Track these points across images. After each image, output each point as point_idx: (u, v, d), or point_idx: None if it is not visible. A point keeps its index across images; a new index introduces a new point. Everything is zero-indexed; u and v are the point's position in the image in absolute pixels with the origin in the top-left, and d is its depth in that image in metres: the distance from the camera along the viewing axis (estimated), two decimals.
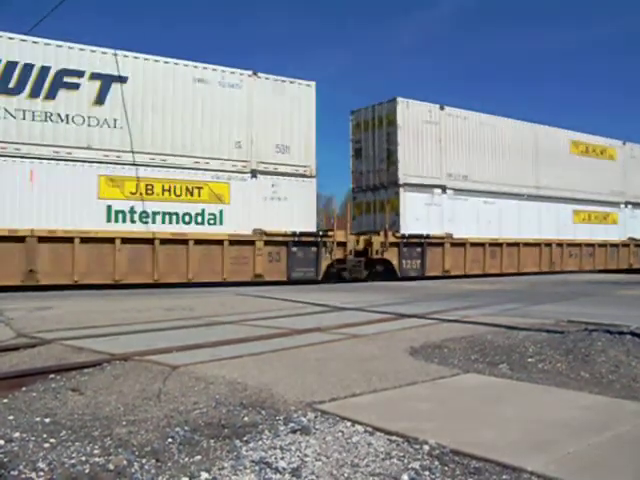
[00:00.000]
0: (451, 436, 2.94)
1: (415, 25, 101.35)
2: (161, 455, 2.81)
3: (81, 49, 14.13)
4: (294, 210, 16.51)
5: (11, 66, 13.32)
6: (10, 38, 13.41)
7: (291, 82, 16.74)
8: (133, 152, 14.48)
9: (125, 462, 2.70)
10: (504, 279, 18.81)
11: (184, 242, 14.86)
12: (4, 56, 13.29)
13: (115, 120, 14.37)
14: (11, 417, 3.49)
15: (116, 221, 14.30)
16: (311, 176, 16.91)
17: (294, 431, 3.11)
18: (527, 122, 22.06)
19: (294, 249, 16.50)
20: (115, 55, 14.42)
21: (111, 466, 2.66)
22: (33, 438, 3.07)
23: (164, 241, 14.60)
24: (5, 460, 2.73)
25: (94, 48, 14.30)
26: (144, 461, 2.74)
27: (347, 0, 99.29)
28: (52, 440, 3.04)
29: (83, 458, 2.77)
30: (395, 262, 18.19)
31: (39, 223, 13.34)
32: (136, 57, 14.73)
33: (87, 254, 13.78)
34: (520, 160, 21.35)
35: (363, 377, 4.29)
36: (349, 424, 3.21)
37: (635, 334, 5.71)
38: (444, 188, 19.29)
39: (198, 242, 15.01)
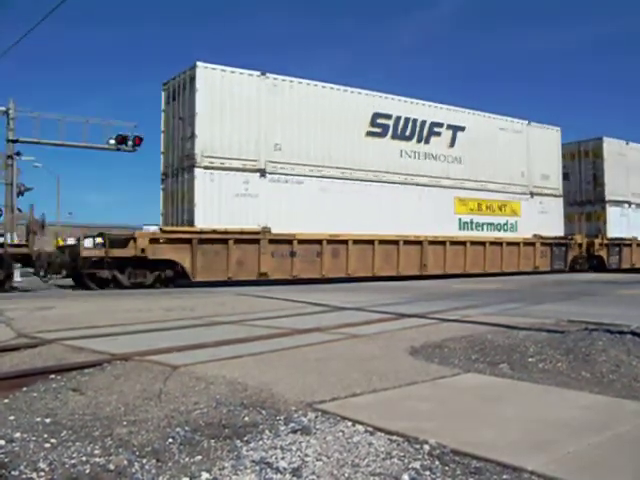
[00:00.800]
0: (451, 436, 2.94)
1: (415, 25, 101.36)
2: (162, 455, 2.81)
3: (441, 107, 20.42)
4: (551, 220, 22.99)
5: (406, 120, 19.42)
6: (405, 101, 19.64)
7: (547, 128, 23.49)
8: (471, 180, 20.91)
9: (126, 462, 2.70)
10: (505, 278, 19.11)
11: (499, 244, 21.19)
12: (401, 113, 19.32)
13: (460, 157, 20.61)
14: (12, 417, 3.49)
15: (464, 229, 20.70)
16: (560, 196, 23.74)
17: (295, 431, 3.11)
18: None
19: (554, 248, 22.92)
20: (456, 111, 20.80)
21: (112, 466, 2.66)
22: (34, 438, 3.08)
23: (491, 243, 20.95)
24: (6, 460, 2.74)
25: (449, 107, 20.72)
26: (145, 461, 2.75)
27: (347, 0, 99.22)
28: (53, 440, 3.04)
29: (84, 458, 2.78)
30: (605, 257, 24.90)
31: (424, 231, 19.22)
32: (469, 112, 21.17)
33: (452, 253, 19.87)
34: None
35: (363, 377, 4.29)
36: (350, 424, 3.21)
37: (636, 333, 5.70)
38: (629, 203, 26.23)
39: (506, 244, 21.28)
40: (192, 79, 15.97)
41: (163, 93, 17.77)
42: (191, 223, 15.75)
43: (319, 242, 17.08)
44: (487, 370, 4.72)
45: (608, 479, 2.45)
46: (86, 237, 15.89)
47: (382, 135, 18.88)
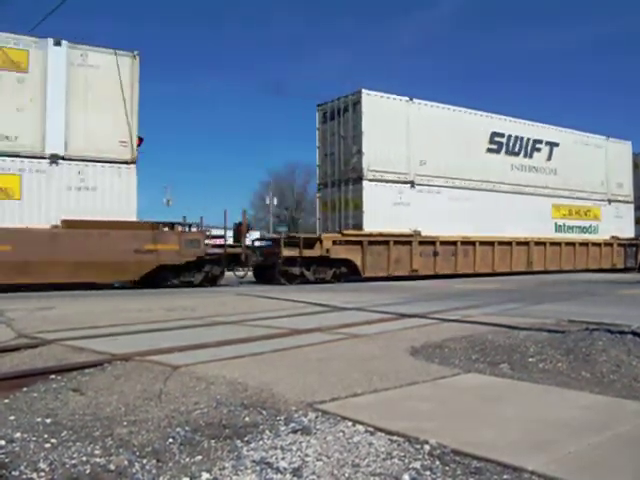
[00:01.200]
0: (452, 436, 2.94)
1: (415, 25, 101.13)
2: (162, 455, 2.82)
3: (541, 126, 23.77)
4: (624, 223, 26.50)
5: (515, 138, 22.71)
6: (514, 121, 22.86)
7: (621, 142, 26.70)
8: (563, 189, 24.21)
9: (126, 462, 2.70)
10: (505, 278, 19.17)
11: (586, 245, 24.64)
12: (512, 132, 22.56)
13: (555, 169, 23.99)
14: (12, 417, 3.50)
15: (559, 231, 24.09)
16: (631, 202, 27.15)
17: (295, 431, 3.11)
18: None
19: (627, 248, 26.45)
20: (552, 130, 24.09)
21: (112, 466, 2.66)
22: (34, 438, 3.08)
23: (580, 244, 24.35)
24: (6, 460, 2.74)
25: (546, 126, 24.04)
26: (145, 461, 2.75)
27: (347, 0, 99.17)
28: (53, 440, 3.04)
29: (84, 458, 2.78)
30: None
31: (529, 233, 22.46)
32: (561, 130, 24.45)
33: (550, 252, 23.18)
34: None
35: (364, 377, 4.29)
36: (350, 424, 3.21)
37: (636, 334, 5.70)
38: None
39: (591, 244, 24.84)
40: (355, 103, 19.01)
41: (317, 114, 20.69)
42: (358, 227, 18.68)
43: (454, 243, 20.26)
44: (487, 370, 4.72)
45: (608, 479, 2.45)
46: (261, 239, 19.82)
47: (498, 151, 22.28)
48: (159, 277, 15.42)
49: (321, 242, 17.95)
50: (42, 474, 2.60)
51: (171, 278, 15.70)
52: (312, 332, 6.62)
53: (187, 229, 16.60)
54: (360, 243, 18.35)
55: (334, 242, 18.08)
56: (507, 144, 22.56)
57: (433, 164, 20.07)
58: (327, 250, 17.85)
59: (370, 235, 18.54)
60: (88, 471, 2.63)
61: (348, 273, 18.47)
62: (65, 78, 14.64)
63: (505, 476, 2.50)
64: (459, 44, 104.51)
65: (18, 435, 3.12)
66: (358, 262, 18.33)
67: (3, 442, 2.98)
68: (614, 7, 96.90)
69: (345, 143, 19.37)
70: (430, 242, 19.71)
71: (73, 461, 2.74)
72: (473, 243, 20.73)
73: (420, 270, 19.40)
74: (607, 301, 11.01)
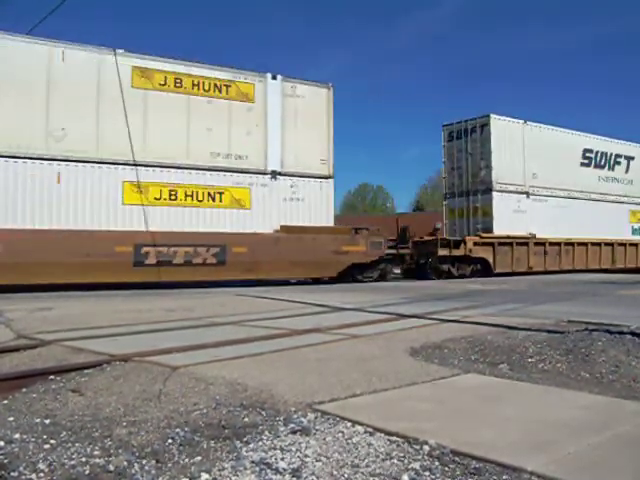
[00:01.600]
0: (451, 436, 2.94)
1: (415, 25, 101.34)
2: (161, 456, 2.81)
3: (620, 143, 26.92)
4: None
5: (602, 154, 25.84)
6: (599, 139, 25.77)
7: None
8: (638, 197, 27.26)
9: (125, 463, 2.70)
10: (504, 279, 19.22)
11: None
12: (598, 148, 25.69)
13: (632, 180, 27.08)
14: (11, 418, 3.49)
15: (635, 234, 27.03)
16: None
17: (294, 432, 3.11)
18: None
19: None
20: (628, 145, 27.17)
21: (111, 467, 2.66)
22: (33, 439, 3.07)
23: None
24: (5, 461, 2.73)
25: (623, 142, 27.01)
26: (144, 462, 2.74)
27: (347, 0, 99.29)
28: (52, 441, 3.04)
29: (83, 459, 2.77)
30: None
31: (611, 236, 25.30)
32: (635, 146, 27.39)
33: (629, 252, 26.22)
34: None
35: (363, 377, 4.29)
36: (349, 424, 3.21)
37: (635, 334, 5.71)
38: None
39: None
40: (483, 126, 22.32)
41: (443, 133, 23.89)
42: (488, 231, 21.76)
43: (559, 244, 23.39)
44: (487, 370, 4.72)
45: (608, 479, 2.45)
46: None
47: (588, 165, 25.43)
48: (348, 274, 17.82)
49: (465, 243, 21.09)
50: (41, 475, 2.60)
51: (357, 275, 18.13)
52: (311, 332, 6.62)
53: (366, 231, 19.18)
54: (492, 244, 21.53)
55: (475, 243, 21.24)
56: (595, 159, 25.82)
57: (541, 177, 23.28)
58: (469, 250, 21.06)
59: (500, 237, 21.80)
60: (87, 472, 2.62)
61: (481, 270, 21.38)
62: (280, 107, 17.28)
63: (504, 476, 2.50)
64: (459, 44, 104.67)
65: (17, 436, 3.12)
66: (490, 260, 21.48)
67: (2, 443, 2.98)
68: (614, 7, 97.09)
69: (472, 159, 22.69)
70: (541, 243, 22.88)
71: (72, 462, 2.74)
72: (572, 244, 23.97)
73: (534, 267, 22.49)
74: (606, 301, 11.01)
